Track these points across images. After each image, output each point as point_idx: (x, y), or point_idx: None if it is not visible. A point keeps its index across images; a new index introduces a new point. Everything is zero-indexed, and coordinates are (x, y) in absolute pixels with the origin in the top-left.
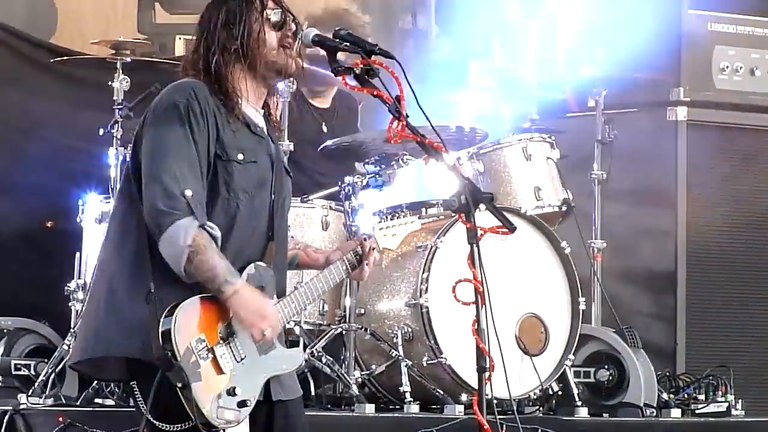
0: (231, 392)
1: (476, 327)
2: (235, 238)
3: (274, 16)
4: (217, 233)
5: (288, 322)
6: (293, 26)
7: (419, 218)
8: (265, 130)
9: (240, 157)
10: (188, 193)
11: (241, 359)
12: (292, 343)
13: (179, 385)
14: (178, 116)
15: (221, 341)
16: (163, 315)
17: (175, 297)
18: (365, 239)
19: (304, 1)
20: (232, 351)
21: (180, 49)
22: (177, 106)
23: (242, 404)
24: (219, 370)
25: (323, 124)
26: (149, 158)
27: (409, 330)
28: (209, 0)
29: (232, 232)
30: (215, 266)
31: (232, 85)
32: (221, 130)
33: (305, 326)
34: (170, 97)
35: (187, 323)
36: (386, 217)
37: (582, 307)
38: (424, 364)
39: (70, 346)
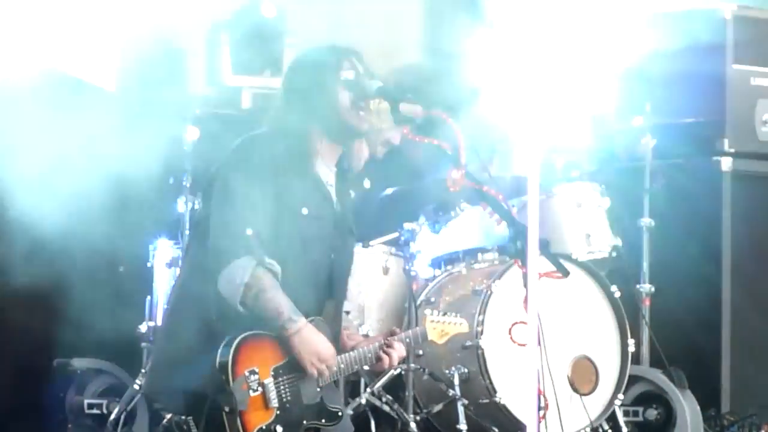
0: (272, 430)
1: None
2: (290, 287)
3: (347, 78)
4: (277, 269)
5: (338, 377)
6: (366, 89)
7: (474, 263)
8: (334, 189)
9: (305, 211)
10: (249, 231)
11: (287, 401)
12: (353, 384)
13: (227, 408)
14: (251, 162)
15: (272, 378)
16: (224, 343)
17: (235, 329)
18: (388, 340)
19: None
20: (279, 391)
21: (247, 101)
22: (251, 152)
23: None
24: (266, 406)
25: (365, 179)
26: (218, 199)
27: (466, 371)
28: (290, 62)
29: (287, 281)
30: (280, 304)
31: (309, 144)
32: (291, 183)
33: (366, 367)
34: (247, 144)
35: (245, 354)
36: (438, 313)
37: (631, 348)
38: (480, 404)
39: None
